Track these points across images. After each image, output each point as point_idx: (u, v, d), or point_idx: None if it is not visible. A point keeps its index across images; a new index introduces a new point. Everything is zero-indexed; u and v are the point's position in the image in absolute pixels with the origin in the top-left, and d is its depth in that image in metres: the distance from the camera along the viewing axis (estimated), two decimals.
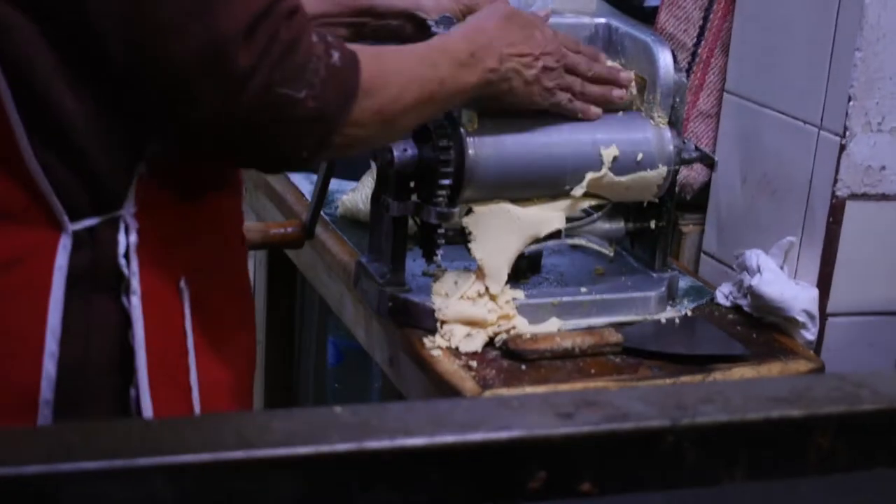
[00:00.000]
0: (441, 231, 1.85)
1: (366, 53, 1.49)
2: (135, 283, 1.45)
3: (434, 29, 1.89)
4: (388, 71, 1.53)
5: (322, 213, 2.19)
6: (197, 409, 1.52)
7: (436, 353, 1.80)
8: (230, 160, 1.54)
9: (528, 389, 1.73)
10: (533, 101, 1.80)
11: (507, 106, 1.80)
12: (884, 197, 1.96)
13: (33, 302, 1.41)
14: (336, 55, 1.43)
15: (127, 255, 1.45)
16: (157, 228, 1.46)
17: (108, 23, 1.34)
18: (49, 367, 1.42)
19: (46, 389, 1.42)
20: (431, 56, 1.64)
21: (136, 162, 1.43)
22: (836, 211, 1.94)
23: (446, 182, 1.81)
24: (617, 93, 1.90)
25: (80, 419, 1.44)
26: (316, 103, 1.39)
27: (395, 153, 1.81)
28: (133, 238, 1.44)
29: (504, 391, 1.72)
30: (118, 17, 1.34)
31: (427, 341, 1.82)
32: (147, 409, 1.46)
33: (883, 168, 1.94)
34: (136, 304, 1.45)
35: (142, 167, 1.43)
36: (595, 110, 1.88)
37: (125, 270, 1.44)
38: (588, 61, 1.87)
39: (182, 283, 1.50)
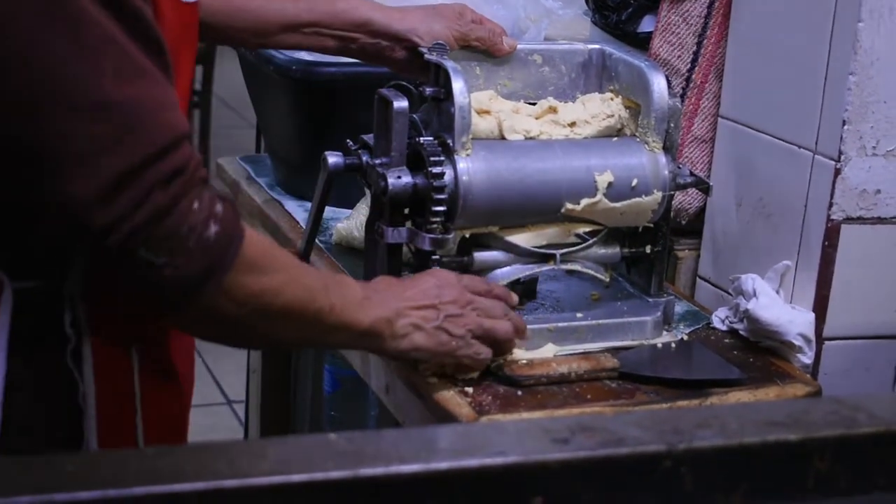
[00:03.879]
0: (436, 258, 1.85)
1: (259, 237, 1.46)
2: (86, 351, 1.43)
3: (427, 56, 1.90)
4: (277, 261, 1.49)
5: (317, 240, 2.19)
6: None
7: (431, 380, 1.79)
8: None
9: (525, 415, 1.72)
10: (444, 354, 1.71)
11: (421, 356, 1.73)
12: (879, 220, 1.96)
13: None
14: (214, 230, 1.36)
15: (75, 325, 1.42)
16: (105, 301, 1.45)
17: None
18: None
19: None
20: (325, 279, 1.60)
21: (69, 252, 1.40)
22: (831, 235, 1.94)
23: (440, 209, 1.80)
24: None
25: None
26: (173, 272, 1.34)
27: (390, 180, 1.81)
28: (80, 310, 1.42)
29: (500, 417, 1.72)
30: None
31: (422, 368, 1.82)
32: None
33: (878, 192, 1.94)
34: (87, 370, 1.44)
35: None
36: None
37: (72, 338, 1.42)
38: (501, 306, 1.78)
39: (132, 343, 1.49)
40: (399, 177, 1.82)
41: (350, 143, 1.92)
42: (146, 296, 1.37)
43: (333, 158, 1.89)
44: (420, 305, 1.68)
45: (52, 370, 1.42)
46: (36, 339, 1.41)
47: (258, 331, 1.49)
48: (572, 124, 1.95)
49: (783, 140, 2.03)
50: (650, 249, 2.00)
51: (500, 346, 1.77)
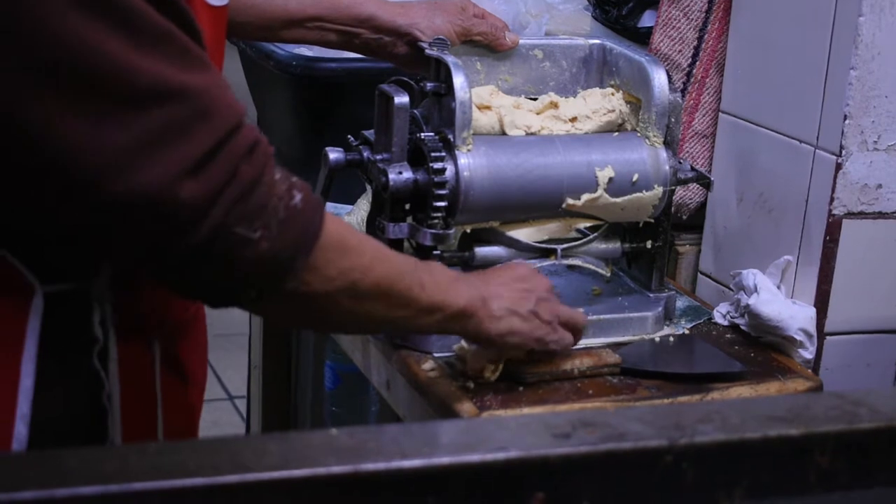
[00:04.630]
0: (437, 253, 1.85)
1: (336, 217, 1.42)
2: (112, 351, 1.42)
3: (428, 51, 1.89)
4: (361, 238, 1.46)
5: None
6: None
7: (433, 375, 1.79)
8: (177, 292, 1.42)
9: (526, 411, 1.72)
10: (536, 341, 1.71)
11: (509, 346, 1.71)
12: (880, 215, 1.96)
13: (5, 363, 1.37)
14: (298, 197, 1.34)
15: (104, 324, 1.41)
16: (133, 298, 1.44)
17: (32, 178, 1.25)
18: (20, 429, 1.37)
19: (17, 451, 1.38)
20: (413, 260, 1.57)
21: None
22: (832, 229, 1.94)
23: (441, 204, 1.80)
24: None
25: None
26: (270, 244, 1.31)
27: (391, 175, 1.81)
28: (109, 309, 1.41)
29: (501, 413, 1.72)
30: (40, 164, 1.24)
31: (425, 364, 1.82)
32: None
33: (879, 186, 1.94)
34: (113, 370, 1.43)
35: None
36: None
37: (100, 337, 1.41)
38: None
39: (155, 344, 1.49)
40: (400, 172, 1.81)
41: (351, 138, 1.92)
42: (240, 281, 1.33)
43: (334, 154, 1.89)
44: (514, 288, 1.67)
45: (80, 371, 1.41)
46: (65, 341, 1.40)
47: (347, 311, 1.45)
48: (573, 119, 1.95)
49: (784, 135, 2.03)
50: (651, 244, 2.00)
51: (579, 333, 1.78)
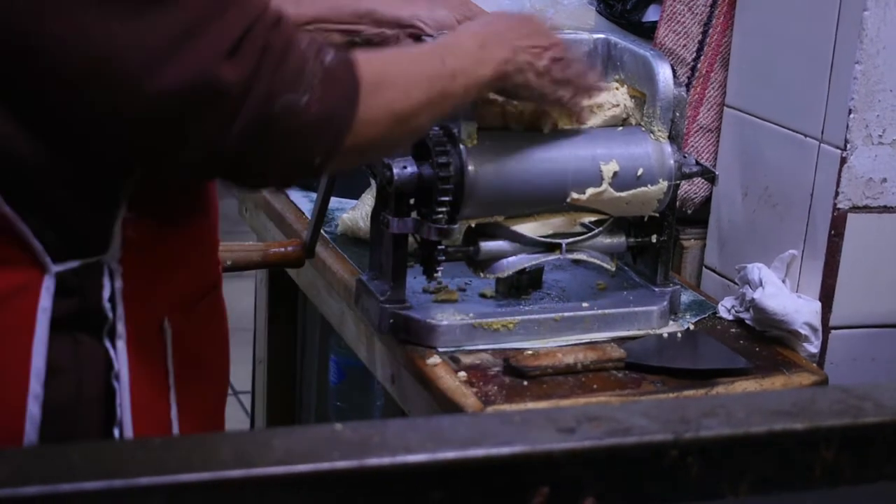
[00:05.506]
0: (441, 248, 1.85)
1: (361, 55, 1.45)
2: (120, 328, 1.43)
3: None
4: (390, 68, 1.50)
5: (322, 231, 2.19)
6: None
7: (437, 369, 1.79)
8: (240, 184, 1.49)
9: (531, 405, 1.72)
10: (543, 94, 1.78)
11: (522, 96, 1.79)
12: (885, 209, 1.95)
13: (17, 344, 1.38)
14: (329, 55, 1.38)
15: (112, 299, 1.42)
16: (141, 270, 1.44)
17: (73, 81, 1.28)
18: (33, 409, 1.38)
19: (31, 431, 1.39)
20: (437, 52, 1.61)
21: (115, 208, 1.39)
22: (837, 224, 1.94)
23: (446, 199, 1.80)
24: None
25: None
26: (320, 106, 1.34)
27: (395, 170, 1.80)
28: (118, 283, 1.42)
29: (506, 407, 1.72)
30: (80, 72, 1.26)
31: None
32: None
33: (884, 180, 1.94)
34: (121, 347, 1.43)
35: (122, 212, 1.39)
36: (585, 118, 1.90)
37: (109, 314, 1.42)
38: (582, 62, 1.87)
39: (165, 324, 1.49)
40: (405, 167, 1.81)
41: None
42: (303, 149, 1.37)
43: None
44: (533, 44, 1.73)
45: (90, 351, 1.42)
46: (75, 320, 1.41)
47: (398, 137, 1.53)
48: None
49: (789, 129, 2.03)
50: (656, 239, 2.00)
51: (587, 91, 1.85)
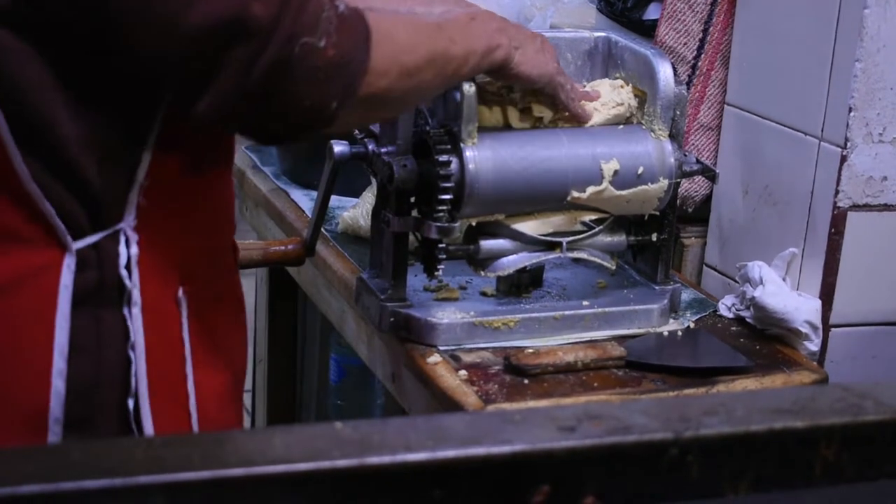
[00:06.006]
0: (442, 246, 1.85)
1: (364, 8, 1.50)
2: (136, 295, 1.46)
3: None
4: (395, 23, 1.54)
5: (323, 229, 2.19)
6: (194, 416, 1.53)
7: (438, 368, 1.79)
8: (259, 131, 1.50)
9: (531, 404, 1.72)
10: (544, 74, 1.79)
11: (521, 77, 1.78)
12: (886, 207, 1.95)
13: (40, 322, 1.42)
14: (342, 6, 1.42)
15: (128, 267, 1.45)
16: (156, 237, 1.47)
17: (116, 19, 1.34)
18: (58, 385, 1.42)
19: (56, 408, 1.43)
20: (433, 21, 1.64)
21: (134, 174, 1.43)
22: (837, 222, 1.94)
23: (447, 197, 1.80)
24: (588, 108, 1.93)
25: (91, 434, 1.45)
26: (336, 50, 1.39)
27: (396, 169, 1.80)
28: (134, 250, 1.45)
29: (506, 406, 1.72)
30: (127, 11, 1.34)
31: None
32: (146, 420, 1.47)
33: (884, 178, 1.94)
34: (136, 314, 1.46)
35: (140, 177, 1.43)
36: (587, 116, 1.90)
37: (127, 282, 1.45)
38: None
39: (180, 294, 1.51)
40: (405, 165, 1.81)
41: (356, 131, 1.91)
42: (322, 92, 1.40)
43: (339, 147, 1.89)
44: (523, 30, 1.78)
45: (111, 325, 1.45)
46: (94, 294, 1.44)
47: (406, 92, 1.55)
48: None
49: (789, 127, 2.03)
50: (656, 237, 2.00)
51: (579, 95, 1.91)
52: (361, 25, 1.44)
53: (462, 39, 1.63)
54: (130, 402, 1.46)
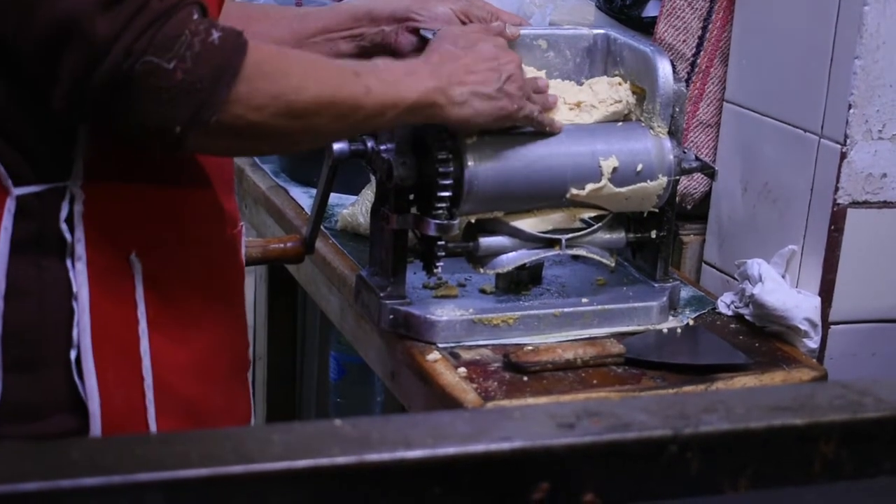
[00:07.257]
0: (441, 243, 1.85)
1: (266, 45, 1.50)
2: (80, 250, 1.48)
3: (431, 39, 1.89)
4: (290, 62, 1.52)
5: (322, 227, 2.19)
6: (148, 380, 1.54)
7: (437, 365, 1.79)
8: (124, 136, 1.51)
9: (530, 401, 1.72)
10: (499, 118, 1.76)
11: (466, 133, 1.79)
12: (885, 204, 1.95)
13: None
14: (216, 35, 1.41)
15: (71, 222, 1.47)
16: (105, 201, 1.49)
17: None
18: None
19: None
20: (356, 67, 1.61)
21: (74, 135, 1.46)
22: (837, 219, 1.94)
23: (446, 195, 1.80)
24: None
25: (32, 381, 1.48)
26: (185, 76, 1.38)
27: (394, 166, 1.80)
28: (78, 207, 1.47)
29: (506, 403, 1.72)
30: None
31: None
32: (89, 374, 1.49)
33: (884, 175, 1.94)
34: (80, 269, 1.48)
35: (83, 139, 1.47)
36: (559, 124, 1.88)
37: (67, 235, 1.47)
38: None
39: (133, 256, 1.52)
40: (404, 163, 1.81)
41: None
42: (162, 111, 1.40)
43: (338, 145, 1.89)
44: (480, 69, 1.72)
45: (55, 276, 1.48)
46: (34, 242, 1.47)
47: (289, 132, 1.52)
48: (577, 104, 1.94)
49: (789, 124, 2.03)
50: (655, 234, 2.00)
51: (547, 101, 1.86)
52: (232, 58, 1.42)
53: (382, 91, 1.58)
54: (73, 354, 1.48)
